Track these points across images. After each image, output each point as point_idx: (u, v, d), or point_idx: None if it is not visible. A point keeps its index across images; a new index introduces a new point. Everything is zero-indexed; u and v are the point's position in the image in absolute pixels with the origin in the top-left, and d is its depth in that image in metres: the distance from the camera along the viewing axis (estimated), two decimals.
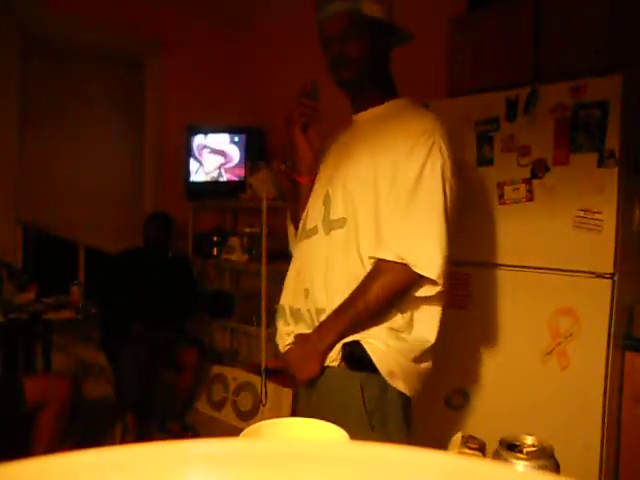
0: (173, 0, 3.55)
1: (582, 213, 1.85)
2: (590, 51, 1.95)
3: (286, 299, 1.39)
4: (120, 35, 3.37)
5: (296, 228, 1.48)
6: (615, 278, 1.80)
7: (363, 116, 1.38)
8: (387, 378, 1.22)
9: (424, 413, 2.23)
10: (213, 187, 3.51)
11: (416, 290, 1.23)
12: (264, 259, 3.07)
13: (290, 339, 1.35)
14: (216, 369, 3.37)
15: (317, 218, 1.33)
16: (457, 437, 0.74)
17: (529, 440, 0.65)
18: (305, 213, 1.40)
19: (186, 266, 3.35)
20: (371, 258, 1.24)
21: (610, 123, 1.79)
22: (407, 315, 1.26)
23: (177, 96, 3.63)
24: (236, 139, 3.44)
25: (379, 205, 1.25)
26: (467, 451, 0.71)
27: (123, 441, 2.74)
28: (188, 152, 3.54)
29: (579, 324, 1.86)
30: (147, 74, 3.58)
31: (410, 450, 0.26)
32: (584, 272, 1.85)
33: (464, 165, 2.11)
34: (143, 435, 2.82)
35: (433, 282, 1.21)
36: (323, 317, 1.27)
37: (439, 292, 1.22)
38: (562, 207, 1.89)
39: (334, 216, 1.29)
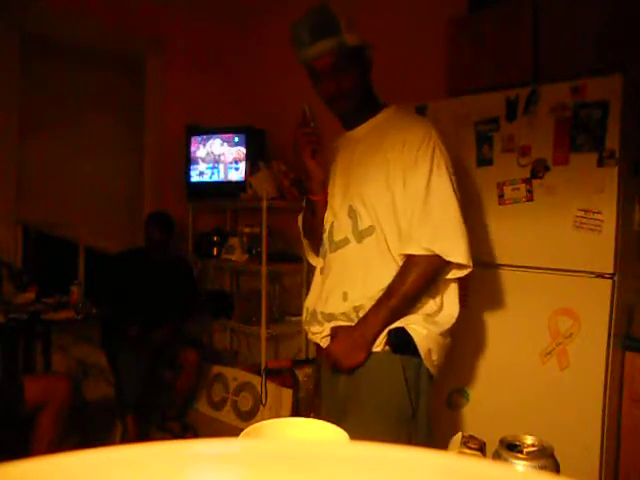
0: (173, 0, 3.55)
1: (582, 213, 1.85)
2: (590, 51, 1.95)
3: (317, 304, 1.54)
4: (120, 35, 3.37)
5: (312, 241, 1.67)
6: (615, 278, 1.80)
7: (359, 131, 1.52)
8: (424, 358, 1.41)
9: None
10: (213, 187, 3.51)
11: (446, 274, 1.43)
12: (264, 259, 3.07)
13: (326, 332, 1.52)
14: (216, 369, 3.36)
15: (346, 230, 1.48)
16: (457, 437, 0.74)
17: (529, 440, 0.65)
18: (329, 226, 1.54)
19: (186, 266, 3.35)
20: (401, 255, 1.42)
21: (610, 123, 1.79)
22: (438, 299, 1.46)
23: (177, 96, 3.63)
24: (236, 139, 3.44)
25: (397, 209, 1.42)
26: (467, 451, 0.71)
27: (123, 441, 2.74)
28: (188, 152, 3.54)
29: (579, 324, 1.86)
30: (147, 74, 3.58)
31: (410, 450, 0.26)
32: (584, 272, 1.85)
33: (464, 165, 2.11)
34: (143, 435, 2.82)
35: (460, 265, 1.41)
36: (362, 312, 1.43)
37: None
38: (562, 207, 1.89)
39: (362, 226, 1.45)
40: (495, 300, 2.08)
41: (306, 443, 0.28)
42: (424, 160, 1.39)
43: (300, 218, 1.71)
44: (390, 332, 1.41)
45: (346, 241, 1.48)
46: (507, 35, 2.18)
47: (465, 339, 2.12)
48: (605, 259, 1.81)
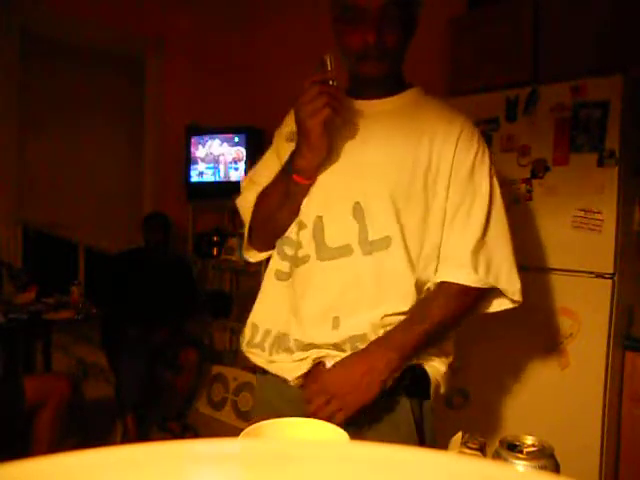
0: (173, 0, 3.55)
1: (582, 213, 1.85)
2: (590, 51, 1.95)
3: (287, 327, 1.13)
4: (120, 35, 3.37)
5: (264, 232, 1.21)
6: (615, 278, 1.80)
7: (380, 105, 1.13)
8: (433, 397, 1.16)
9: None
10: (213, 187, 3.51)
11: (487, 307, 1.16)
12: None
13: (306, 365, 1.10)
14: (216, 369, 3.36)
15: (348, 235, 1.08)
16: (457, 437, 0.74)
17: (529, 440, 0.65)
18: (312, 222, 1.12)
19: (186, 266, 3.35)
20: (433, 283, 1.09)
21: (610, 123, 1.79)
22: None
23: (177, 96, 3.63)
24: (236, 139, 3.44)
25: (431, 221, 1.09)
26: (467, 451, 0.71)
27: (123, 441, 2.74)
28: (188, 152, 3.54)
29: (579, 324, 1.86)
30: (147, 74, 3.58)
31: (410, 450, 0.26)
32: (584, 272, 1.85)
33: None
34: (143, 435, 2.82)
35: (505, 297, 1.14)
36: (362, 344, 1.06)
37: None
38: (562, 207, 1.89)
39: (375, 235, 1.07)
40: None
41: (306, 443, 0.28)
42: (482, 171, 1.10)
43: (250, 196, 1.20)
44: (406, 371, 1.07)
45: (347, 250, 1.08)
46: (507, 35, 2.18)
47: (465, 339, 2.12)
48: (605, 259, 1.80)
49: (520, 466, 0.61)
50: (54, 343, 2.94)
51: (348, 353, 1.07)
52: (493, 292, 1.13)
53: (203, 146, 3.52)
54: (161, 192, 3.64)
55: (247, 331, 1.21)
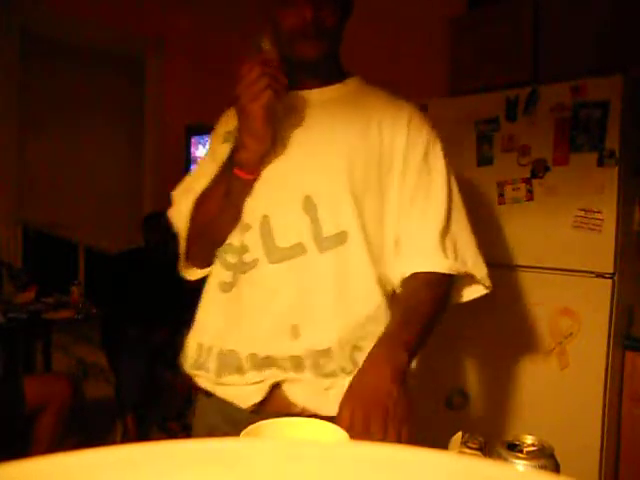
0: (173, 0, 3.55)
1: (582, 213, 1.85)
2: (590, 51, 1.95)
3: (235, 342, 1.00)
4: (120, 35, 3.37)
5: (205, 242, 1.08)
6: (615, 278, 1.80)
7: (321, 94, 1.06)
8: None
9: (424, 413, 2.23)
10: None
11: (458, 298, 1.07)
12: None
13: (262, 392, 0.98)
14: None
15: (300, 232, 0.98)
16: (457, 437, 0.74)
17: (529, 440, 0.65)
18: (258, 222, 1.01)
19: None
20: (398, 277, 1.01)
21: (610, 123, 1.79)
22: None
23: (177, 96, 3.63)
24: None
25: (387, 210, 1.02)
26: (467, 451, 0.71)
27: (123, 441, 2.73)
28: (188, 152, 3.54)
29: (579, 324, 1.86)
30: (147, 74, 3.58)
31: (410, 450, 0.26)
32: (584, 272, 1.85)
33: (464, 165, 2.11)
34: (143, 435, 2.82)
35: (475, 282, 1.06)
36: (326, 361, 0.96)
37: None
38: (562, 207, 1.89)
39: (329, 231, 0.98)
40: (495, 300, 2.07)
41: (306, 443, 0.28)
42: (436, 152, 1.04)
43: (185, 206, 1.08)
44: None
45: (301, 249, 0.98)
46: (507, 35, 2.18)
47: (465, 339, 2.12)
48: (605, 259, 1.81)
49: (520, 466, 0.61)
50: (54, 343, 2.94)
51: (307, 375, 0.96)
52: (461, 280, 1.05)
53: (203, 146, 3.52)
54: (161, 192, 3.64)
55: (190, 351, 1.07)
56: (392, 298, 1.04)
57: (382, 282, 1.01)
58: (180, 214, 1.10)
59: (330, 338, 0.96)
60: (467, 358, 2.14)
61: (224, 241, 1.05)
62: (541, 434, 0.65)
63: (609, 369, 1.80)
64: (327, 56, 1.04)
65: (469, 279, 1.05)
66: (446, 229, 1.02)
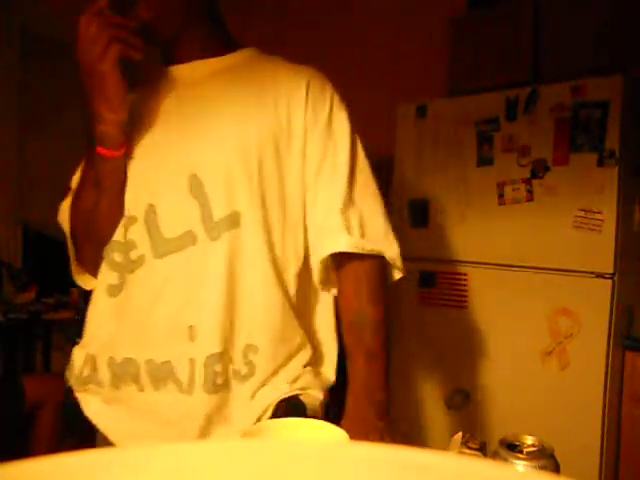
0: None
1: (582, 213, 1.85)
2: (590, 51, 1.95)
3: (128, 349, 0.88)
4: None
5: (89, 242, 0.95)
6: (615, 278, 1.80)
7: (200, 68, 0.94)
8: None
9: (424, 413, 2.23)
10: None
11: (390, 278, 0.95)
12: None
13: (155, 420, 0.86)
14: None
15: (189, 218, 0.86)
16: (457, 437, 0.73)
17: (529, 440, 0.65)
18: (143, 212, 0.88)
19: None
20: (301, 262, 0.91)
21: (610, 123, 1.79)
22: (315, 334, 0.96)
23: None
24: None
25: (289, 186, 0.91)
26: (467, 451, 0.71)
27: None
28: None
29: (579, 324, 1.86)
30: None
31: (410, 450, 0.26)
32: (584, 272, 1.85)
33: (464, 165, 2.11)
34: None
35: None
36: (222, 367, 0.85)
37: None
38: (562, 207, 1.89)
39: (220, 213, 0.86)
40: (495, 300, 2.08)
41: (306, 443, 0.28)
42: (340, 119, 0.93)
43: (66, 204, 0.99)
44: (281, 404, 0.86)
45: (191, 238, 0.86)
46: (507, 35, 2.18)
47: (465, 339, 2.12)
48: (605, 259, 1.81)
49: (520, 466, 0.61)
50: (54, 343, 2.94)
51: (200, 394, 0.84)
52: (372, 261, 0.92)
53: None
54: None
55: (77, 363, 0.93)
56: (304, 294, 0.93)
57: (278, 270, 0.89)
58: (62, 213, 1.00)
59: (222, 338, 0.85)
60: (467, 358, 2.14)
61: (110, 238, 0.92)
62: (541, 434, 0.65)
63: (609, 369, 1.80)
64: (183, 28, 0.93)
65: (378, 260, 0.91)
66: (349, 202, 0.90)
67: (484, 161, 2.09)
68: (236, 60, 0.97)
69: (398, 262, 0.91)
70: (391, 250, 0.91)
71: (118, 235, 0.91)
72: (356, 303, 0.88)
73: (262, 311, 0.88)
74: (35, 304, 2.77)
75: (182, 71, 0.95)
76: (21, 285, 2.87)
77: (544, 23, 2.10)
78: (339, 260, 0.90)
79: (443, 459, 0.25)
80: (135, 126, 0.90)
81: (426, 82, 2.64)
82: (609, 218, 1.79)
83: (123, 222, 0.90)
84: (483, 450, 0.71)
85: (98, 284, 0.96)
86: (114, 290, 0.92)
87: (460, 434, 0.73)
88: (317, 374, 0.93)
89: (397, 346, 2.25)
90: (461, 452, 0.70)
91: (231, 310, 0.86)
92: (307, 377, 0.91)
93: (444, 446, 0.74)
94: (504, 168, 2.04)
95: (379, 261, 0.90)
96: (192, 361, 0.85)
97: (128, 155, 0.89)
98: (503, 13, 2.21)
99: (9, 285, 2.89)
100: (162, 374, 0.85)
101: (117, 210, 0.90)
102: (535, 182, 1.96)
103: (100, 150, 0.86)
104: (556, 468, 0.63)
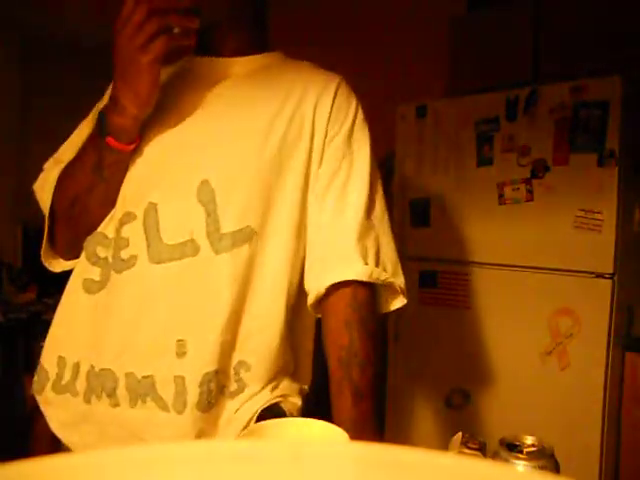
0: None
1: (582, 213, 1.85)
2: (590, 51, 1.95)
3: (112, 359, 0.79)
4: None
5: (84, 228, 0.86)
6: (615, 278, 1.80)
7: (235, 64, 0.89)
8: None
9: (424, 413, 2.24)
10: None
11: (385, 306, 0.88)
12: None
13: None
14: None
15: (193, 226, 0.79)
16: (457, 437, 0.73)
17: (529, 440, 0.65)
18: (142, 212, 0.81)
19: None
20: (316, 289, 0.82)
21: (610, 123, 1.79)
22: (297, 350, 0.90)
23: None
24: None
25: (302, 201, 0.84)
26: (467, 451, 0.71)
27: None
28: None
29: (579, 324, 1.86)
30: None
31: (410, 450, 0.26)
32: (584, 272, 1.85)
33: (464, 165, 2.11)
34: None
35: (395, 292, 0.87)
36: (213, 384, 0.77)
37: None
38: (562, 207, 1.89)
39: (230, 225, 0.79)
40: (495, 300, 2.08)
41: (306, 443, 0.28)
42: (361, 144, 0.87)
43: (52, 176, 0.89)
44: (263, 414, 0.80)
45: (192, 248, 0.79)
46: (507, 35, 2.18)
47: (465, 339, 2.12)
48: (605, 259, 1.81)
49: (520, 466, 0.61)
50: None
51: (192, 413, 0.76)
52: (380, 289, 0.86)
53: None
54: None
55: (48, 367, 0.84)
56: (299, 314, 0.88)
57: (290, 295, 0.83)
58: (45, 184, 0.89)
59: (217, 355, 0.78)
60: (467, 358, 2.14)
61: (95, 227, 0.85)
62: (541, 434, 0.65)
63: (609, 369, 1.80)
64: (237, 17, 0.89)
65: (387, 288, 0.85)
66: (366, 228, 0.83)
67: (484, 161, 2.09)
68: (269, 62, 0.92)
69: (404, 292, 0.86)
70: (400, 278, 0.85)
71: (106, 228, 0.84)
72: (346, 337, 0.80)
73: (263, 333, 0.82)
74: (35, 304, 2.78)
75: (215, 65, 0.88)
76: (21, 285, 2.88)
77: (544, 23, 2.10)
78: (335, 285, 0.82)
79: (443, 459, 0.25)
80: (153, 112, 0.81)
81: (426, 82, 2.64)
82: (609, 218, 1.79)
83: (118, 217, 0.82)
84: (483, 450, 0.71)
85: (73, 276, 0.88)
86: (93, 286, 0.84)
87: (460, 434, 0.73)
88: (295, 380, 0.89)
89: (397, 346, 2.25)
90: (461, 452, 0.70)
91: (233, 329, 0.80)
92: (286, 383, 0.86)
93: (444, 446, 0.74)
94: (504, 168, 2.04)
95: (373, 290, 0.84)
96: (179, 378, 0.77)
97: (137, 147, 0.83)
98: (503, 13, 2.21)
99: (9, 285, 2.89)
100: (142, 389, 0.77)
101: (110, 201, 0.83)
102: (535, 182, 1.96)
103: (110, 141, 0.79)
104: (556, 468, 0.63)
